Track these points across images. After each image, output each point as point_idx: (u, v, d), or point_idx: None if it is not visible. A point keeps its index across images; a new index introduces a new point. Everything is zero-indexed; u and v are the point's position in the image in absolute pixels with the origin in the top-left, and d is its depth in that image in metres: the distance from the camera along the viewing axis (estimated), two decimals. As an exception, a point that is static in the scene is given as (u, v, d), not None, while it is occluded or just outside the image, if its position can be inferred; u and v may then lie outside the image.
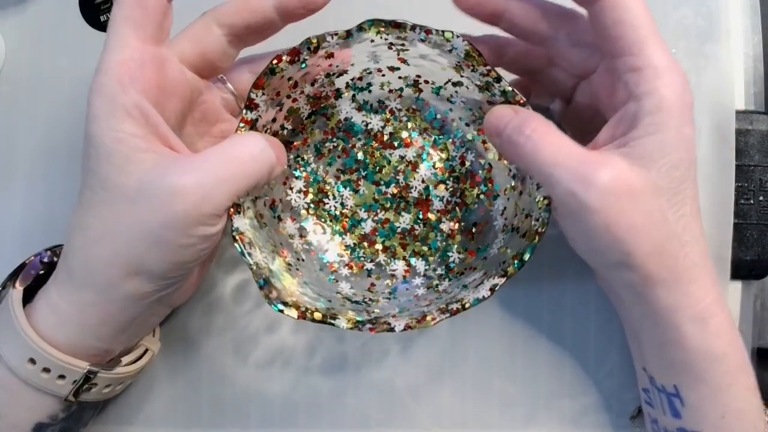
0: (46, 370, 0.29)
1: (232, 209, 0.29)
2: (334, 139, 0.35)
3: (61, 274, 0.29)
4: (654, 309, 0.29)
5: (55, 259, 0.31)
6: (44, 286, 0.30)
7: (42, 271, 0.31)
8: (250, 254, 0.29)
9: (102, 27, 0.37)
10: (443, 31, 0.28)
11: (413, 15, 0.30)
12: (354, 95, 0.35)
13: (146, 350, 0.34)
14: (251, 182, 0.28)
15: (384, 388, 0.37)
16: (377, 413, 0.37)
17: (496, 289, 0.29)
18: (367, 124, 0.35)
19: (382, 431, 0.37)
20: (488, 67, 0.29)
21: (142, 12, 0.27)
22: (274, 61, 0.29)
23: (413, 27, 0.28)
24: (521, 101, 0.29)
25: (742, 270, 0.37)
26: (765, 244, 0.37)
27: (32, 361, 0.28)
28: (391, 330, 0.28)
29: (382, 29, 0.28)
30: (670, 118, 0.27)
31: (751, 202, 0.37)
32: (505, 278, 0.29)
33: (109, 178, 0.27)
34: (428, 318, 0.29)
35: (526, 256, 0.29)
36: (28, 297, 0.30)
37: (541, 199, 0.29)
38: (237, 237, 0.29)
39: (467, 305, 0.29)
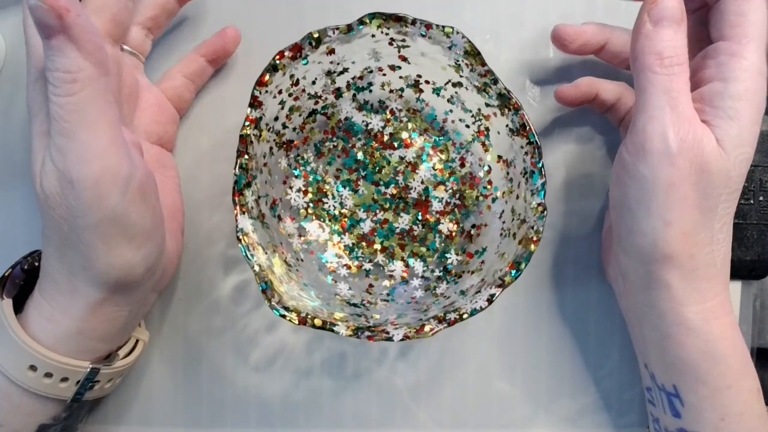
0: (48, 375, 0.28)
1: (236, 208, 0.29)
2: (334, 139, 0.35)
3: (64, 285, 0.29)
4: (661, 297, 0.29)
5: (36, 264, 0.31)
6: (32, 296, 0.30)
7: (22, 282, 0.31)
8: (253, 256, 0.29)
9: (102, 27, 0.37)
10: (443, 26, 0.29)
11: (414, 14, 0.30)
12: (354, 95, 0.35)
13: (137, 341, 0.34)
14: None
15: (384, 388, 0.37)
16: (377, 413, 0.37)
17: (494, 299, 0.29)
18: (367, 124, 0.35)
19: (382, 431, 0.37)
20: (486, 68, 0.29)
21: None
22: (277, 57, 0.29)
23: (414, 21, 0.28)
24: (516, 105, 0.29)
25: (742, 270, 0.37)
26: (765, 244, 0.37)
27: (33, 368, 0.28)
28: (389, 339, 0.28)
29: (383, 23, 0.29)
30: (749, 108, 0.27)
31: (752, 202, 0.37)
32: (502, 288, 0.29)
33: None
34: (426, 328, 0.29)
35: (523, 265, 0.29)
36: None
37: (536, 206, 0.29)
38: (241, 238, 0.29)
39: (465, 316, 0.29)
